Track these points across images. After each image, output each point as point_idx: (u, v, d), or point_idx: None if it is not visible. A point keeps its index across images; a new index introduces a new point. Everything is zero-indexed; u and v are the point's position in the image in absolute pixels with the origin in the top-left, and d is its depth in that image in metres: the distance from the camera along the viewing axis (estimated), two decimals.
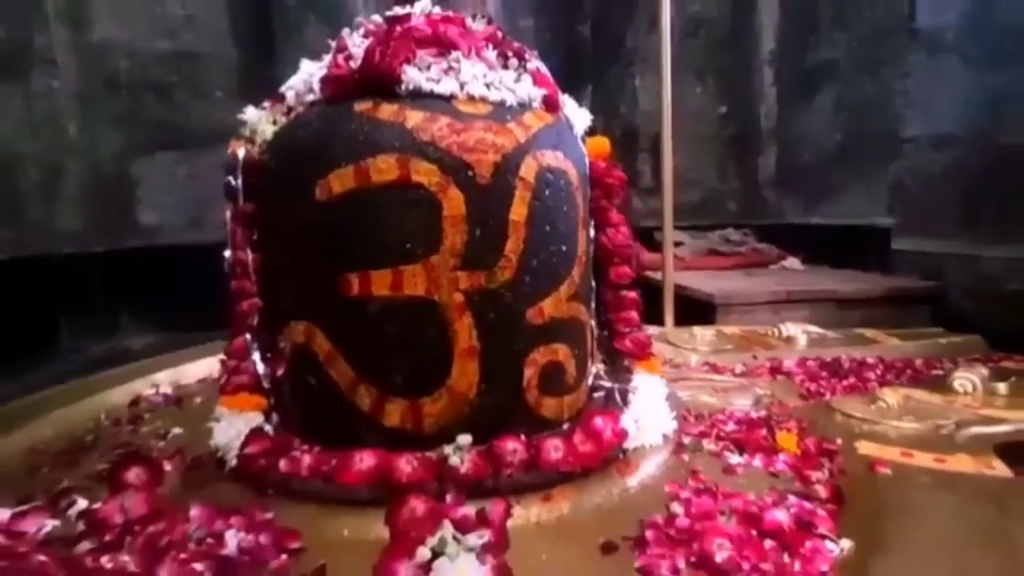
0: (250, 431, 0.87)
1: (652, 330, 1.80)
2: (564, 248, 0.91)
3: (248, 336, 0.94)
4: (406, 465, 0.80)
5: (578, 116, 1.03)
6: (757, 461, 0.93)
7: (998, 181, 1.94)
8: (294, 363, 0.89)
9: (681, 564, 0.67)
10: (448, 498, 0.76)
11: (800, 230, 2.73)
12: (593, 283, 1.03)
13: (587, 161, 1.01)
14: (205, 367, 1.49)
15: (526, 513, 0.77)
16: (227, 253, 0.95)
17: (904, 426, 1.00)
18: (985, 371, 1.20)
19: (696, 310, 1.94)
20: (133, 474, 0.85)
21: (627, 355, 1.04)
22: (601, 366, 1.09)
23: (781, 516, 0.75)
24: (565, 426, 0.94)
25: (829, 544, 0.71)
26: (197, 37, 2.45)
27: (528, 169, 0.85)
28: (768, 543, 0.71)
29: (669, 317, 1.88)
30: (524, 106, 0.91)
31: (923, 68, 2.11)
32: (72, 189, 2.41)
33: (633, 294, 1.05)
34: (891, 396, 1.07)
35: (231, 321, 0.95)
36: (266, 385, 0.93)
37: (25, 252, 2.34)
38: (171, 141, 2.53)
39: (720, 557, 0.67)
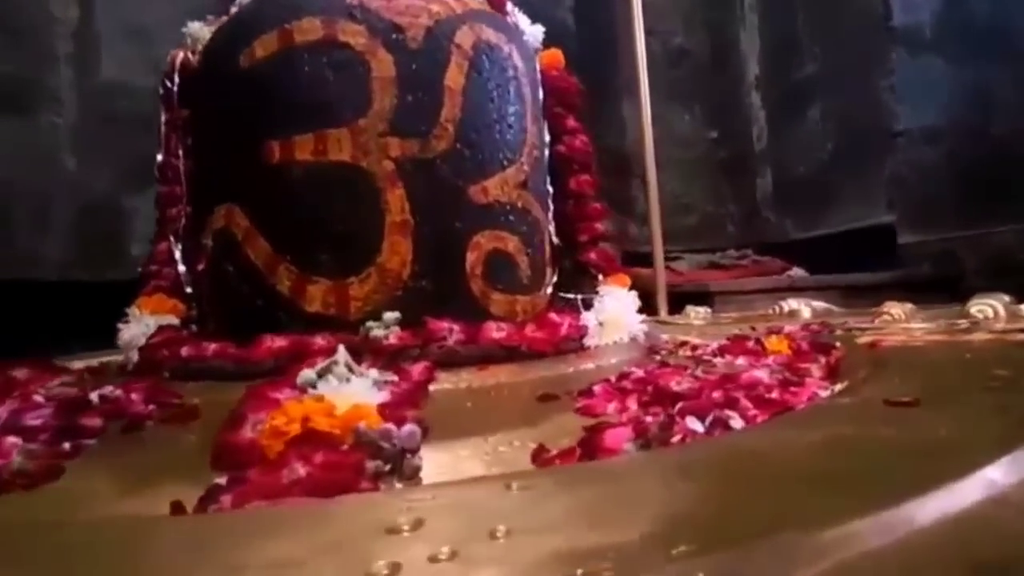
0: (160, 326, 0.78)
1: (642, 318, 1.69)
2: (511, 130, 0.84)
3: (172, 240, 0.87)
4: (321, 340, 0.69)
5: (531, 29, 1.01)
6: (741, 360, 0.80)
7: (992, 166, 1.87)
8: (214, 254, 0.81)
9: (632, 404, 0.55)
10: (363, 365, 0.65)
11: (804, 245, 2.63)
12: (551, 189, 0.96)
13: (538, 66, 0.96)
14: None
15: (456, 379, 0.65)
16: (159, 157, 0.90)
17: (914, 327, 0.87)
18: (1007, 297, 1.07)
19: (691, 303, 1.82)
20: (20, 372, 0.75)
21: (593, 268, 0.95)
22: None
23: (762, 375, 0.63)
24: None
25: (820, 391, 0.58)
26: None
27: (464, 37, 0.80)
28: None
29: (662, 307, 1.77)
30: None
31: (906, 65, 2.11)
32: (64, 219, 2.43)
33: (597, 205, 0.97)
34: (897, 309, 0.95)
35: (157, 226, 0.88)
36: (188, 290, 0.85)
37: (10, 276, 2.32)
38: None
39: (679, 388, 0.54)
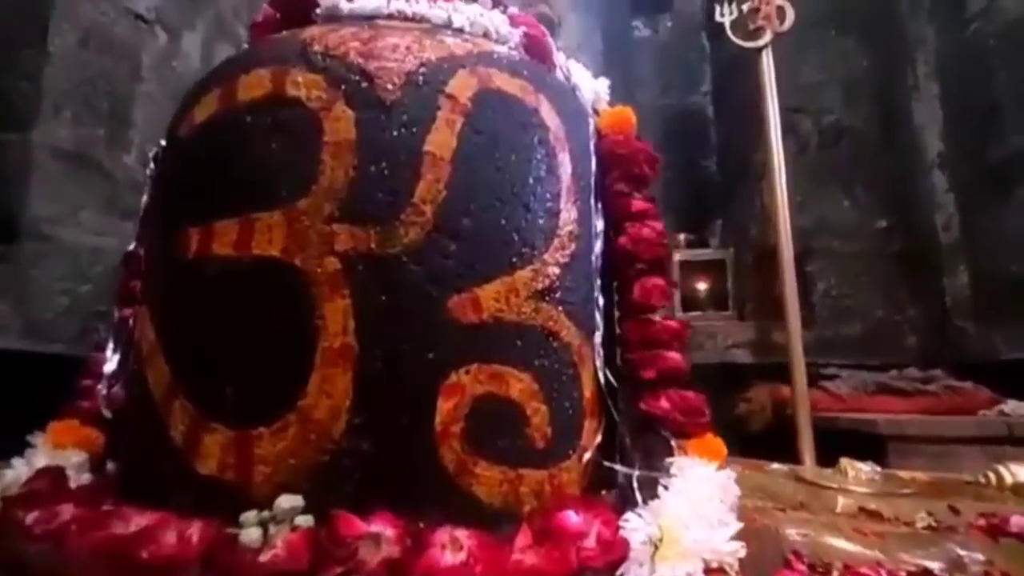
0: (39, 471, 0.58)
1: (778, 467, 1.25)
2: (528, 214, 0.57)
3: (111, 350, 0.69)
4: (170, 536, 0.44)
5: (590, 84, 0.75)
6: None
7: None
8: (131, 374, 0.62)
9: None
10: None
11: (1022, 368, 1.95)
12: (600, 300, 0.64)
13: (591, 128, 0.69)
14: None
15: None
16: (130, 248, 0.76)
17: None
18: None
19: (852, 449, 1.32)
20: None
21: (662, 422, 0.60)
22: (631, 450, 0.64)
23: None
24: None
25: None
26: None
27: (460, 85, 0.56)
28: None
29: (807, 451, 1.30)
30: (488, 37, 0.66)
31: None
32: None
33: (672, 323, 0.64)
34: None
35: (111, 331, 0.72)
36: (107, 415, 0.66)
37: None
38: None
39: None
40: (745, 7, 1.53)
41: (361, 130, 0.54)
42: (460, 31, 0.63)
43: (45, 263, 1.68)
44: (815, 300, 2.44)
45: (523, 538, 0.45)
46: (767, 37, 1.49)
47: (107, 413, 0.65)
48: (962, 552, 0.71)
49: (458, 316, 0.52)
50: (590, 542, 0.46)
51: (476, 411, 0.51)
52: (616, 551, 0.45)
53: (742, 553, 0.48)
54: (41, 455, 0.61)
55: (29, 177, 1.67)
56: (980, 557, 0.71)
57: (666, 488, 0.53)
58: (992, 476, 1.07)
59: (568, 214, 0.60)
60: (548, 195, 0.59)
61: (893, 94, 2.47)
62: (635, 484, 0.56)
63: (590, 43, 3.38)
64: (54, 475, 0.57)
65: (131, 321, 0.70)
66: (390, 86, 0.55)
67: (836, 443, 1.33)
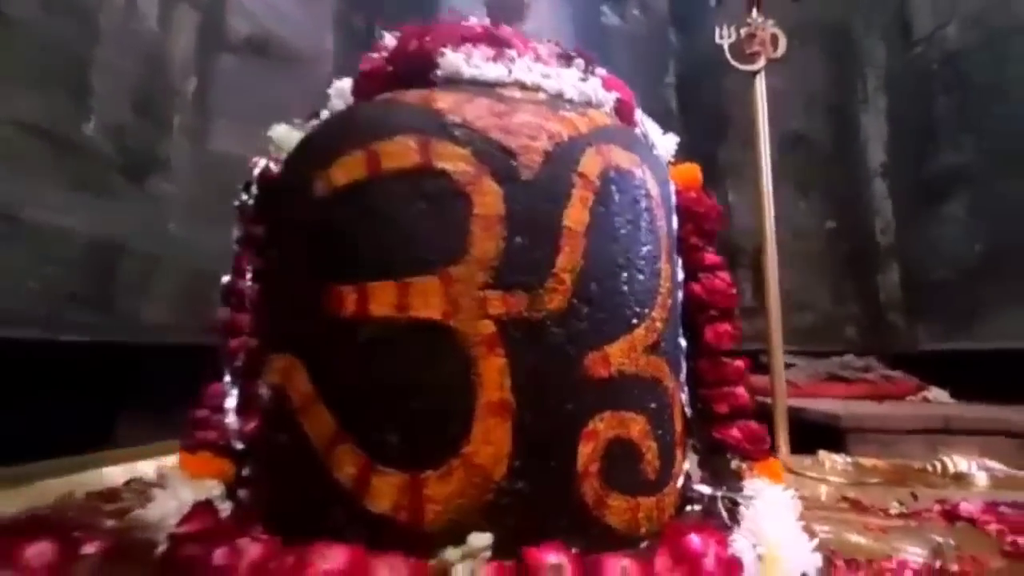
0: (195, 505, 0.63)
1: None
2: (640, 277, 0.66)
3: (228, 381, 0.73)
4: (386, 570, 0.51)
5: (662, 140, 0.83)
6: None
7: None
8: (268, 414, 0.67)
9: None
10: None
11: (941, 359, 2.25)
12: (683, 343, 0.75)
13: (672, 185, 0.78)
14: None
15: None
16: (225, 279, 0.79)
17: None
18: None
19: (817, 438, 1.52)
20: (35, 551, 0.62)
21: (733, 449, 0.72)
22: (695, 468, 0.77)
23: None
24: (643, 545, 0.62)
25: None
26: None
27: (591, 164, 0.64)
28: None
29: (783, 442, 1.48)
30: (590, 105, 0.73)
31: None
32: (165, 285, 2.46)
33: (739, 363, 0.76)
34: None
35: (215, 361, 0.76)
36: (238, 446, 0.70)
37: (105, 337, 2.34)
38: None
39: None
40: (743, 32, 1.64)
41: (508, 204, 0.60)
42: (571, 101, 0.70)
43: (10, 245, 1.60)
44: None
45: (663, 559, 0.55)
46: (761, 62, 1.62)
47: (238, 445, 0.69)
48: (940, 539, 0.88)
49: (592, 372, 0.61)
50: (710, 561, 0.57)
51: (608, 452, 0.60)
52: (734, 570, 0.57)
53: (819, 563, 0.61)
54: (185, 487, 0.65)
55: None
56: (952, 542, 0.88)
57: (748, 508, 0.66)
58: (939, 465, 1.28)
59: (665, 272, 0.70)
60: (653, 257, 0.68)
61: (846, 105, 2.70)
62: (720, 501, 0.68)
63: (561, 30, 3.40)
64: (209, 509, 0.62)
65: (242, 354, 0.74)
66: (530, 164, 0.61)
67: (798, 428, 1.52)
